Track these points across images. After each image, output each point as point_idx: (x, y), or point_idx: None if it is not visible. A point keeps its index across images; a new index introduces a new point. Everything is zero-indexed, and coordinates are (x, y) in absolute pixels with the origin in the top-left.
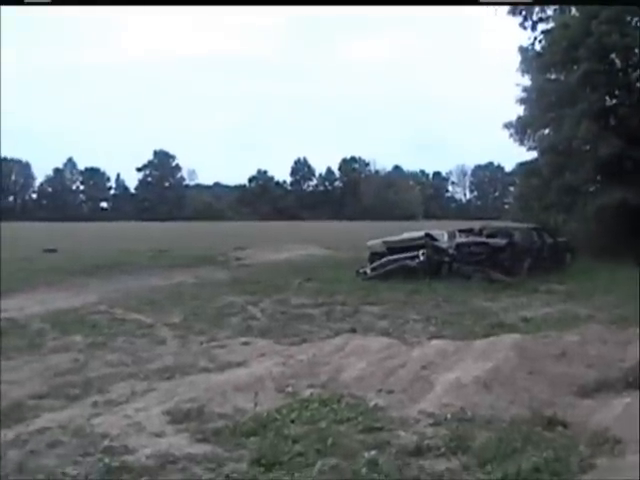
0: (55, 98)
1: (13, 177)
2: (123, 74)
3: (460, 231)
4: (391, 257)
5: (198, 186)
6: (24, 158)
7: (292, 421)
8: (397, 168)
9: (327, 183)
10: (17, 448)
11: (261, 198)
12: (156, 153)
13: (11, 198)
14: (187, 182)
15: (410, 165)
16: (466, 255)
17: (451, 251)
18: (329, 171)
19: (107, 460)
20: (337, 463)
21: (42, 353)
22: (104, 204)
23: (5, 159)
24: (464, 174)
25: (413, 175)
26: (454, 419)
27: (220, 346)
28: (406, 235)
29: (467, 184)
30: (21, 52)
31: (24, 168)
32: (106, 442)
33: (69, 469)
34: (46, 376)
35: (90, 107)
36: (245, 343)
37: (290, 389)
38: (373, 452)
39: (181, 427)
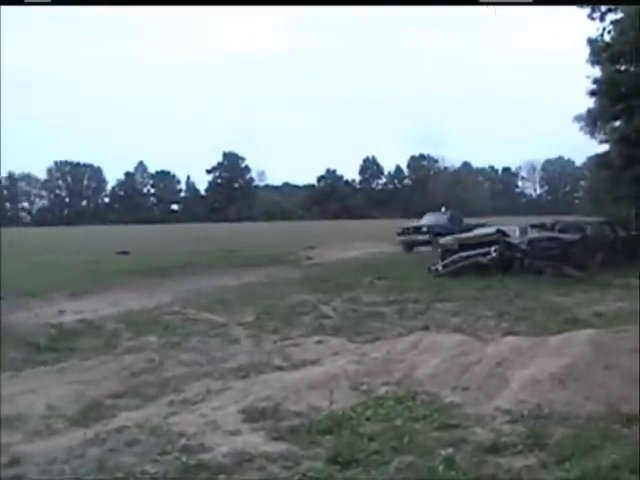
0: (125, 102)
1: (85, 182)
2: (192, 76)
3: (532, 226)
4: (463, 254)
5: (267, 187)
6: (96, 163)
7: (367, 419)
8: (466, 164)
9: (396, 181)
10: (96, 446)
11: (330, 197)
12: (225, 155)
13: (84, 202)
14: (256, 183)
15: (479, 161)
16: (538, 250)
17: (523, 247)
18: (398, 169)
19: (184, 458)
20: (413, 461)
21: (117, 353)
22: (175, 206)
23: (77, 164)
24: (534, 169)
25: (482, 171)
26: (530, 416)
27: (293, 345)
28: (477, 231)
29: (537, 179)
30: (91, 55)
31: (96, 172)
32: (183, 441)
33: (148, 467)
34: (122, 376)
35: (160, 111)
36: (318, 341)
37: (365, 387)
38: (449, 449)
39: (257, 425)
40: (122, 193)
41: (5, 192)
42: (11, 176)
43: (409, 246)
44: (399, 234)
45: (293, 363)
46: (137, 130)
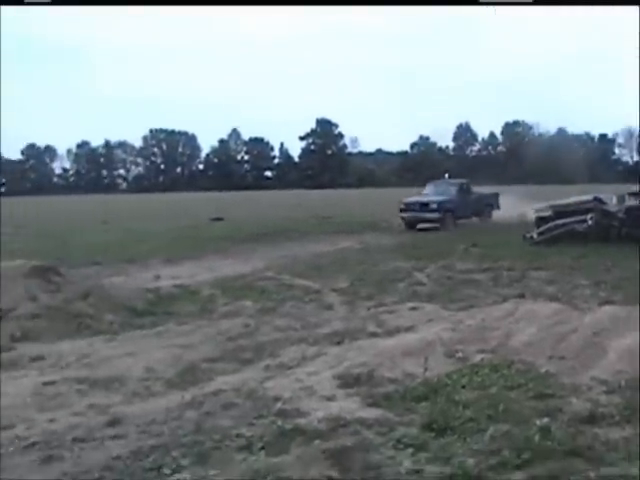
0: (220, 70)
1: (180, 149)
2: (286, 45)
3: (630, 194)
4: (558, 221)
5: (360, 153)
6: (190, 130)
7: (463, 386)
8: (561, 131)
9: (490, 148)
10: (194, 409)
11: (423, 164)
12: (319, 122)
13: (179, 169)
14: (349, 150)
15: (574, 128)
16: (636, 219)
17: (620, 215)
18: (492, 135)
19: (280, 422)
20: (509, 429)
21: (213, 318)
22: (268, 173)
23: (172, 132)
24: (631, 135)
25: (577, 138)
26: (628, 387)
27: (388, 311)
28: (573, 199)
29: (635, 146)
30: (188, 23)
31: (190, 140)
32: (279, 405)
33: (244, 430)
34: (218, 340)
35: (253, 77)
36: (412, 308)
37: (460, 354)
38: (545, 419)
39: (351, 391)
40: (216, 160)
41: (102, 160)
42: (107, 144)
43: (412, 225)
44: (401, 210)
45: (387, 330)
46: (231, 97)
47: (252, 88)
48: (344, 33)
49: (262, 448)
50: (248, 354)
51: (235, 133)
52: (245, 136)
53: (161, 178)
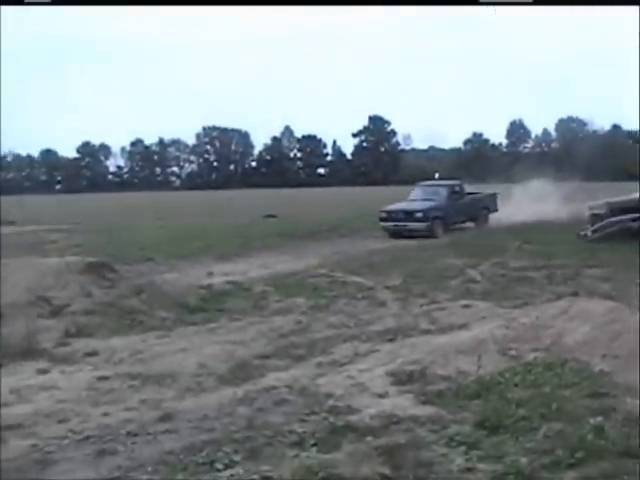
0: (271, 67)
1: (233, 146)
2: (338, 42)
3: None
4: (613, 219)
5: (413, 150)
6: (243, 128)
7: (515, 385)
8: (616, 127)
9: (544, 144)
10: (246, 405)
11: (476, 160)
12: (371, 119)
13: (232, 166)
14: (402, 146)
15: (630, 124)
16: None
17: None
18: (545, 132)
19: (332, 419)
20: (562, 428)
21: (266, 315)
22: (321, 170)
23: (225, 129)
24: None
25: (633, 135)
26: None
27: (440, 308)
28: (628, 196)
29: None
30: (239, 20)
31: (243, 137)
32: (331, 402)
33: (295, 426)
34: (271, 337)
35: (305, 76)
36: (466, 306)
37: (513, 352)
38: (599, 418)
39: (404, 388)
40: (269, 157)
41: (155, 157)
42: (161, 142)
43: (396, 236)
44: (382, 219)
45: (440, 327)
46: (283, 95)
47: (305, 86)
48: (396, 27)
49: (314, 445)
50: (300, 351)
51: (288, 130)
52: (298, 133)
53: (214, 175)
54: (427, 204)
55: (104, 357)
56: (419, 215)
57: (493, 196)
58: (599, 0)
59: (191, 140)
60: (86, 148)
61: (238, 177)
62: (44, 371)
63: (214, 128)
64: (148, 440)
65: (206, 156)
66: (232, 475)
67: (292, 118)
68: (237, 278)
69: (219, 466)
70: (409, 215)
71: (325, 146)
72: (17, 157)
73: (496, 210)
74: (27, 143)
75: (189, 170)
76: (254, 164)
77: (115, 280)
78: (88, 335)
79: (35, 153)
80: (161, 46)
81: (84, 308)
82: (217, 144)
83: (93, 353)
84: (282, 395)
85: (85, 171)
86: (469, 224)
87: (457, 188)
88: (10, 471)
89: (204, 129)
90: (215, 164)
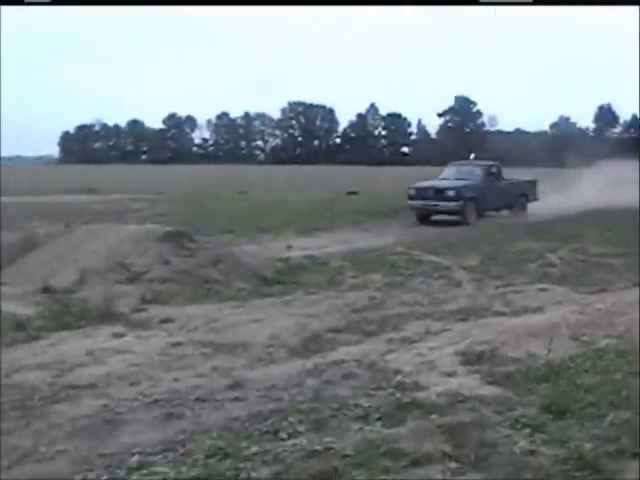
0: (359, 47)
1: (318, 122)
2: (427, 23)
3: None
4: None
5: (498, 132)
6: (328, 104)
7: (586, 370)
8: None
9: (632, 130)
10: (315, 377)
11: (562, 144)
12: (457, 99)
13: (316, 142)
14: (487, 128)
15: None
16: None
17: None
18: (634, 117)
19: (398, 395)
20: (629, 417)
21: (341, 290)
22: (405, 149)
23: (311, 105)
24: None
25: None
26: None
27: (516, 291)
28: None
29: None
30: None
31: (328, 114)
32: (398, 378)
33: (361, 401)
34: (344, 312)
35: (393, 53)
36: (542, 289)
37: (585, 338)
38: None
39: (472, 368)
40: (353, 134)
41: (241, 131)
42: (247, 115)
43: (424, 217)
44: (410, 197)
45: (514, 309)
46: (369, 73)
47: (391, 64)
48: (485, 14)
49: (378, 419)
50: (372, 326)
51: (373, 108)
52: (383, 111)
53: (298, 150)
54: (461, 183)
55: (179, 324)
56: (451, 193)
57: (533, 183)
58: (599, 0)
59: (276, 115)
60: (172, 120)
61: (322, 153)
62: (120, 335)
63: (299, 103)
64: (215, 406)
65: (291, 131)
66: (295, 445)
67: (377, 96)
68: (315, 252)
69: (283, 435)
70: (440, 193)
71: (410, 125)
72: (105, 127)
73: (535, 199)
74: (115, 113)
75: (273, 144)
76: (338, 141)
77: (194, 249)
78: (164, 302)
79: (122, 123)
80: (251, 22)
81: (162, 276)
82: (302, 119)
83: (168, 320)
84: (351, 369)
85: (170, 142)
86: (504, 212)
87: (494, 170)
88: (81, 429)
89: (290, 104)
90: (300, 139)
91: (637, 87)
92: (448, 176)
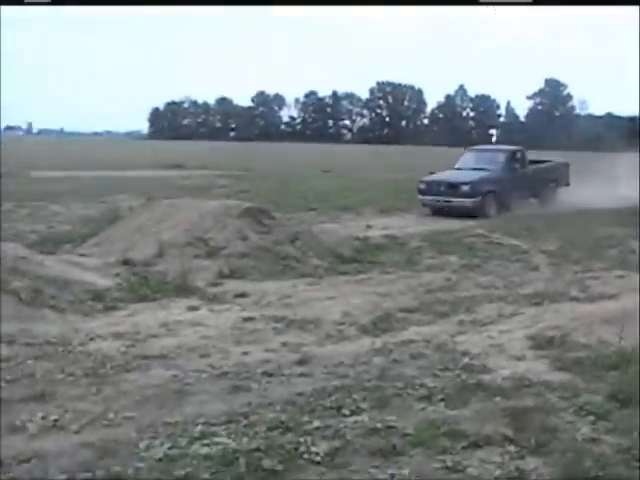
0: (446, 28)
1: (406, 102)
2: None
3: None
4: None
5: (589, 116)
6: (417, 84)
7: None
8: None
9: None
10: (383, 356)
11: None
12: (547, 81)
13: (403, 123)
14: (577, 112)
15: None
16: None
17: None
18: None
19: (464, 377)
20: None
21: (417, 270)
22: (493, 131)
23: (399, 85)
24: None
25: None
26: None
27: (593, 277)
28: None
29: None
30: None
31: (416, 94)
32: (466, 359)
33: (427, 380)
34: (418, 292)
35: (479, 36)
36: (619, 276)
37: None
38: None
39: (542, 353)
40: (441, 115)
41: (328, 110)
42: (335, 94)
43: (438, 212)
44: (421, 191)
45: (590, 295)
46: (455, 53)
47: (478, 45)
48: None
49: (442, 400)
50: (445, 308)
51: (462, 90)
52: (471, 93)
53: (386, 131)
54: (478, 174)
55: (253, 299)
56: (465, 189)
57: (564, 166)
58: (599, 0)
59: (364, 95)
60: (260, 98)
61: (409, 133)
62: (194, 308)
63: (388, 84)
64: (281, 381)
65: (378, 111)
66: (356, 422)
67: (466, 77)
68: (395, 232)
69: (346, 412)
70: (453, 188)
71: (498, 107)
72: (194, 104)
73: (567, 184)
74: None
75: (361, 124)
76: (426, 121)
77: (272, 226)
78: (240, 277)
79: (211, 100)
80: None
81: (239, 251)
82: (390, 99)
83: (243, 294)
84: (419, 349)
85: (258, 120)
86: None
87: (519, 155)
88: (149, 398)
89: (378, 84)
90: (387, 119)
91: None
92: (465, 165)
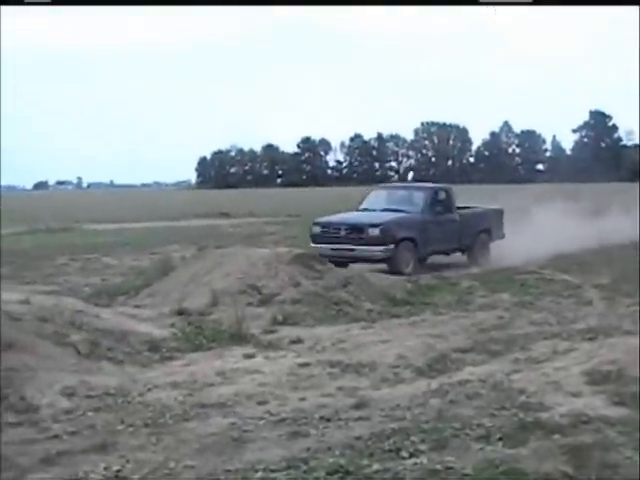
0: (488, 63)
1: (451, 141)
2: (555, 35)
3: None
4: None
5: (636, 146)
6: (461, 123)
7: None
8: None
9: None
10: (439, 397)
11: None
12: (592, 113)
13: (449, 162)
14: (624, 142)
15: None
16: None
17: None
18: None
19: (522, 415)
20: None
21: (469, 310)
22: (540, 166)
23: (444, 124)
24: None
25: None
26: None
27: None
28: None
29: None
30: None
31: (461, 132)
32: (522, 398)
33: (484, 420)
34: (471, 332)
35: (522, 70)
36: None
37: None
38: None
39: (598, 388)
40: (487, 153)
41: (374, 152)
42: (380, 137)
43: (337, 263)
44: (314, 239)
45: None
46: (501, 90)
47: (524, 80)
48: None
49: (500, 439)
50: (499, 346)
51: (506, 126)
52: (516, 129)
53: (432, 170)
54: (390, 215)
55: (308, 345)
56: (374, 233)
57: (497, 213)
58: (599, 0)
59: (409, 135)
60: (306, 143)
61: (456, 172)
62: (250, 356)
63: (432, 124)
64: (339, 425)
65: (424, 151)
66: (416, 464)
67: (509, 113)
68: (445, 273)
69: (404, 454)
70: (357, 232)
71: (544, 142)
72: (240, 151)
73: (501, 236)
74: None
75: (407, 165)
76: (472, 159)
77: (324, 271)
78: (294, 323)
79: (257, 148)
80: (378, 44)
81: (292, 297)
82: (435, 139)
83: (297, 341)
84: (475, 389)
85: (305, 165)
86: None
87: (442, 196)
88: (209, 446)
89: (422, 124)
90: (433, 159)
91: None
92: (373, 205)
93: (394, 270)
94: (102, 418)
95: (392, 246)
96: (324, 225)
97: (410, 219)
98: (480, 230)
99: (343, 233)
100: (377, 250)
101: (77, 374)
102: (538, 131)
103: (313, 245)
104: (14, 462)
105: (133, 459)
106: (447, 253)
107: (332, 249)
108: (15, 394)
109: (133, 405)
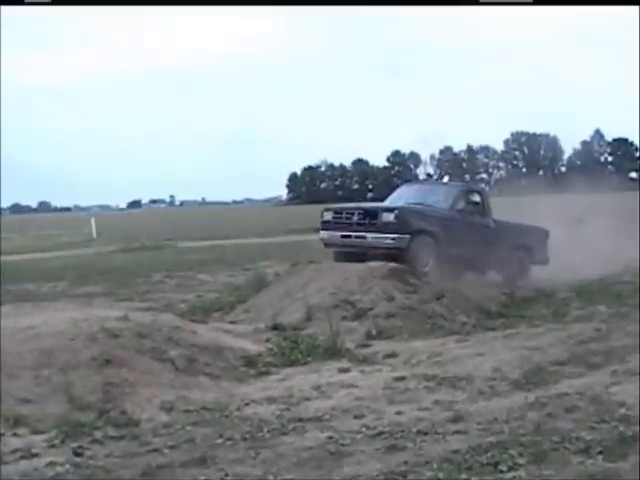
0: (576, 70)
1: (542, 151)
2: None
3: None
4: None
5: None
6: (552, 132)
7: None
8: None
9: None
10: (536, 410)
11: None
12: None
13: (540, 172)
14: None
15: None
16: None
17: None
18: None
19: (622, 428)
20: None
21: (566, 322)
22: (633, 174)
23: (534, 134)
24: None
25: None
26: None
27: None
28: None
29: None
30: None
31: (552, 142)
32: (622, 410)
33: (583, 434)
34: (568, 344)
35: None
36: None
37: None
38: None
39: None
40: (579, 162)
41: (464, 164)
42: (470, 149)
43: (343, 257)
44: (323, 226)
45: None
46: (594, 98)
47: (615, 86)
48: None
49: (600, 452)
50: (596, 359)
51: (598, 134)
52: (608, 137)
53: (523, 181)
54: (409, 202)
55: (403, 359)
56: (388, 218)
57: (541, 233)
58: (599, 0)
59: (499, 146)
60: (396, 157)
61: (547, 182)
62: (345, 370)
63: (522, 134)
64: (436, 439)
65: (514, 162)
66: (514, 477)
67: (603, 122)
68: (542, 285)
69: (503, 468)
70: (370, 217)
71: (637, 149)
72: (330, 167)
73: (545, 261)
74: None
75: (498, 176)
76: (563, 169)
77: (418, 285)
78: (388, 337)
79: (347, 163)
80: (465, 54)
81: (386, 311)
82: (525, 150)
83: (392, 355)
84: (573, 402)
85: (395, 179)
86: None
87: (475, 198)
88: (307, 460)
89: (512, 135)
90: (524, 170)
91: None
92: (399, 198)
93: (406, 263)
94: (201, 432)
95: (407, 236)
96: (337, 211)
97: (433, 211)
98: (518, 245)
99: (355, 219)
100: (389, 238)
101: (175, 389)
102: (630, 139)
103: (322, 233)
104: (117, 475)
105: (232, 472)
106: (480, 268)
107: (342, 236)
108: (116, 409)
109: (231, 419)
